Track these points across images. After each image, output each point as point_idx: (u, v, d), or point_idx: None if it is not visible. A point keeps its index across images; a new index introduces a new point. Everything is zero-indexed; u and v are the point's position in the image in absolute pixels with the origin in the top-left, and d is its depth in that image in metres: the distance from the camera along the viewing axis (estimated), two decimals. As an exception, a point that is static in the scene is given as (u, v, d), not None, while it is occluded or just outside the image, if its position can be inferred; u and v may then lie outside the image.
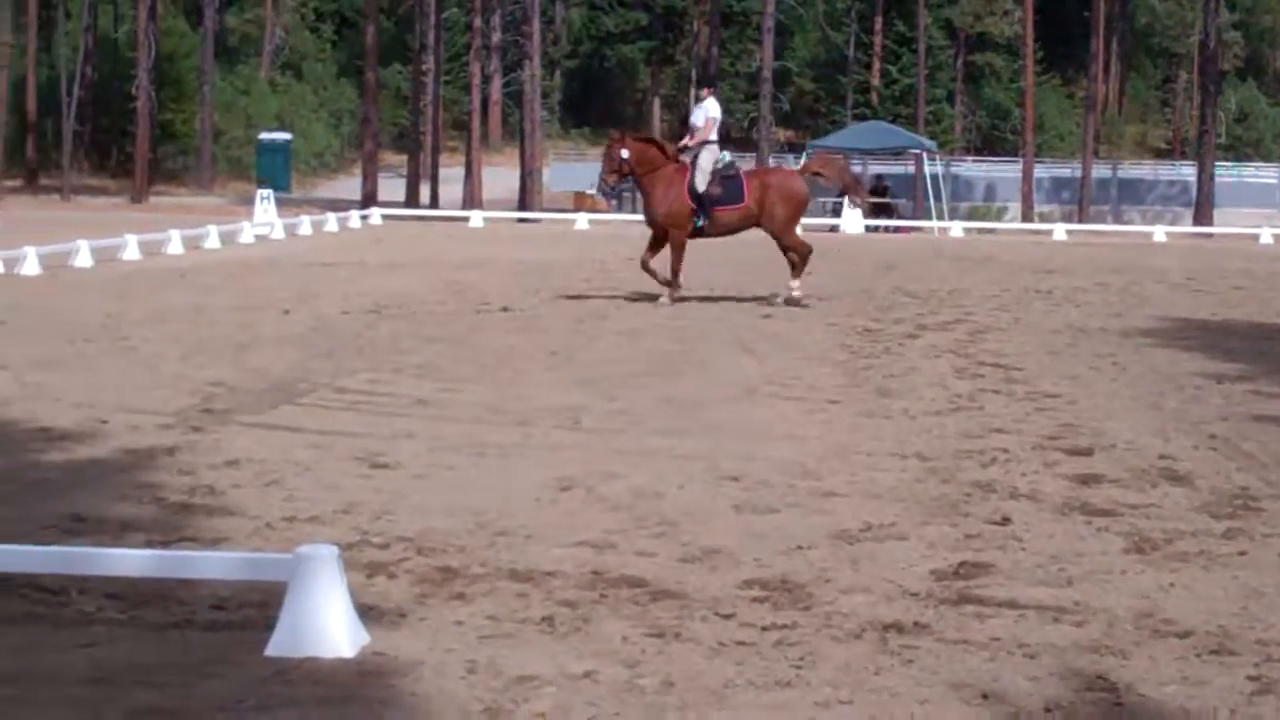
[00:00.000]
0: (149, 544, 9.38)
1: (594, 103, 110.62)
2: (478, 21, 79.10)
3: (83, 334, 20.29)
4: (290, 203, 62.83)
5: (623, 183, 26.77)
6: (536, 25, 76.06)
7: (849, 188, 30.36)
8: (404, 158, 77.18)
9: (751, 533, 10.01)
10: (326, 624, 7.49)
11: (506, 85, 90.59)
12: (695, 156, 25.87)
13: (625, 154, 25.33)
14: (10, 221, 38.91)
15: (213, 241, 39.86)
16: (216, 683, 7.13)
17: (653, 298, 25.46)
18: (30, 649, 7.60)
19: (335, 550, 7.64)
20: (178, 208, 65.53)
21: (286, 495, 10.93)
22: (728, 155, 26.95)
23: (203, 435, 13.24)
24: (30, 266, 30.10)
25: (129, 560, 8.33)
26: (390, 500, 10.82)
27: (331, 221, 50.20)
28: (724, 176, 25.92)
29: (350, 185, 78.01)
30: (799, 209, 26.60)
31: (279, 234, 45.33)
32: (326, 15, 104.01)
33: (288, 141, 76.62)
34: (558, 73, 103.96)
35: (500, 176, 76.67)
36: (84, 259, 32.45)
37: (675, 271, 25.69)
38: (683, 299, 25.52)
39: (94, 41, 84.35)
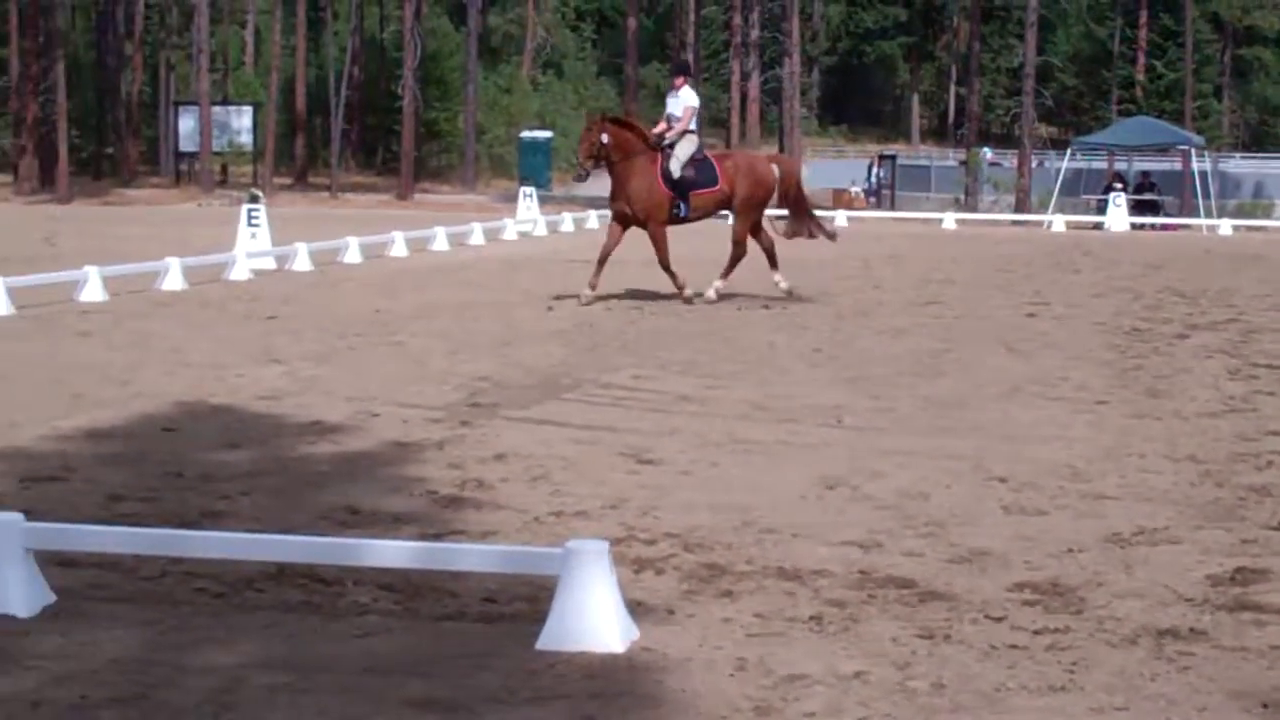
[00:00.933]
0: (421, 536, 9.52)
1: (852, 99, 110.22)
2: (737, 19, 79.28)
3: (353, 329, 20.64)
4: (552, 200, 63.35)
5: (597, 167, 25.10)
6: (795, 22, 75.95)
7: (791, 198, 26.84)
8: (664, 154, 77.64)
9: (1021, 535, 9.89)
10: (597, 619, 7.52)
11: (765, 82, 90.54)
12: (672, 145, 24.71)
13: (605, 138, 24.18)
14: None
15: (477, 238, 40.33)
16: (489, 675, 7.20)
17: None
18: (308, 637, 7.75)
19: (606, 545, 7.67)
20: (442, 205, 66.34)
21: (553, 490, 11.02)
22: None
23: (470, 429, 13.40)
24: (301, 262, 30.69)
25: (402, 552, 8.46)
26: (656, 496, 10.86)
27: (593, 218, 50.48)
28: (695, 160, 24.83)
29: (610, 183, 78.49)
30: (768, 194, 25.70)
31: (541, 231, 45.78)
32: (587, 14, 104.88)
33: (549, 139, 77.44)
34: (815, 69, 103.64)
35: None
36: (353, 255, 33.02)
37: (666, 264, 24.94)
38: (690, 298, 24.92)
39: (361, 43, 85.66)
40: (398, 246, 35.41)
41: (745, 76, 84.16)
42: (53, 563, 8.43)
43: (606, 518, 10.16)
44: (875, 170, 75.95)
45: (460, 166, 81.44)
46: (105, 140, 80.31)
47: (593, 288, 24.36)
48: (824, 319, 22.76)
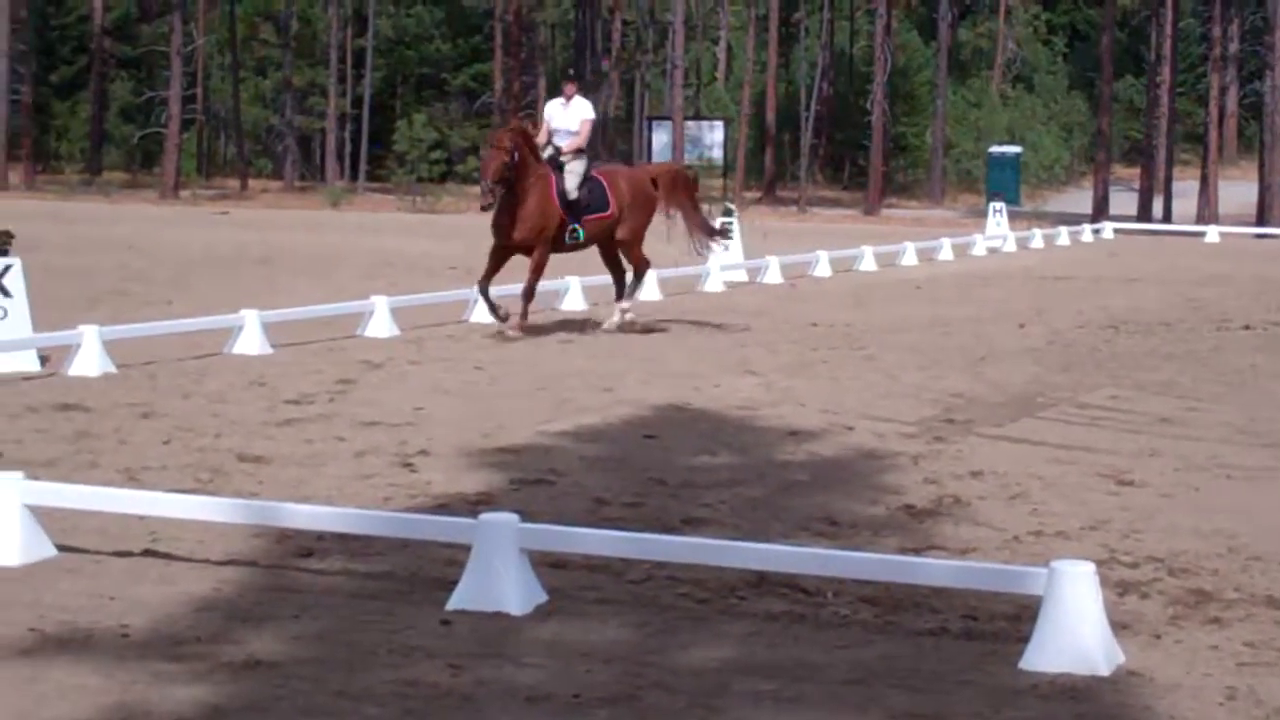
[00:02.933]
0: (900, 550, 9.54)
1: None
2: (1216, 31, 77.17)
3: (826, 342, 20.76)
4: (1020, 215, 62.69)
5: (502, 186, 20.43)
6: (1279, 34, 73.66)
7: (682, 204, 22.72)
8: (1135, 171, 76.14)
9: None
10: (1083, 640, 7.44)
11: (1243, 97, 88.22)
12: (563, 163, 21.10)
13: (516, 156, 20.36)
14: (764, 230, 40.01)
15: (945, 254, 40.14)
16: (971, 691, 7.19)
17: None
18: (790, 646, 7.83)
19: (1092, 566, 7.59)
20: (909, 220, 66.25)
21: (1032, 509, 10.93)
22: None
23: (945, 445, 13.37)
24: (772, 275, 30.99)
25: (884, 565, 8.48)
26: (1138, 518, 10.69)
27: (1063, 235, 49.88)
28: (587, 180, 21.30)
29: (1080, 198, 77.40)
30: (651, 215, 22.27)
31: (1010, 247, 45.33)
32: (1059, 28, 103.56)
33: (1017, 154, 76.69)
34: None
35: (1236, 191, 74.66)
36: (823, 269, 33.20)
37: (530, 293, 21.17)
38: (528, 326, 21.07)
39: (831, 58, 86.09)
40: (866, 261, 35.46)
41: (1223, 90, 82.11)
42: (544, 563, 8.68)
43: (1087, 539, 10.05)
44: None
45: (927, 181, 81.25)
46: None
47: (514, 319, 20.69)
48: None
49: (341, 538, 9.35)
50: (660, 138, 74.99)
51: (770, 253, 32.48)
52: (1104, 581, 7.99)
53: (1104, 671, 7.38)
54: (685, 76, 77.43)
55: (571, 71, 25.68)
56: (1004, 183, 70.84)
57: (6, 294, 17.02)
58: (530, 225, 20.53)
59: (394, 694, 7.01)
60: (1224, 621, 8.30)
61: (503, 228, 20.70)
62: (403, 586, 8.72)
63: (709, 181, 75.78)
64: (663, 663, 7.52)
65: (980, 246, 43.49)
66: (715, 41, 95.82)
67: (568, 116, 21.44)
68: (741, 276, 31.08)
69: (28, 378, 16.26)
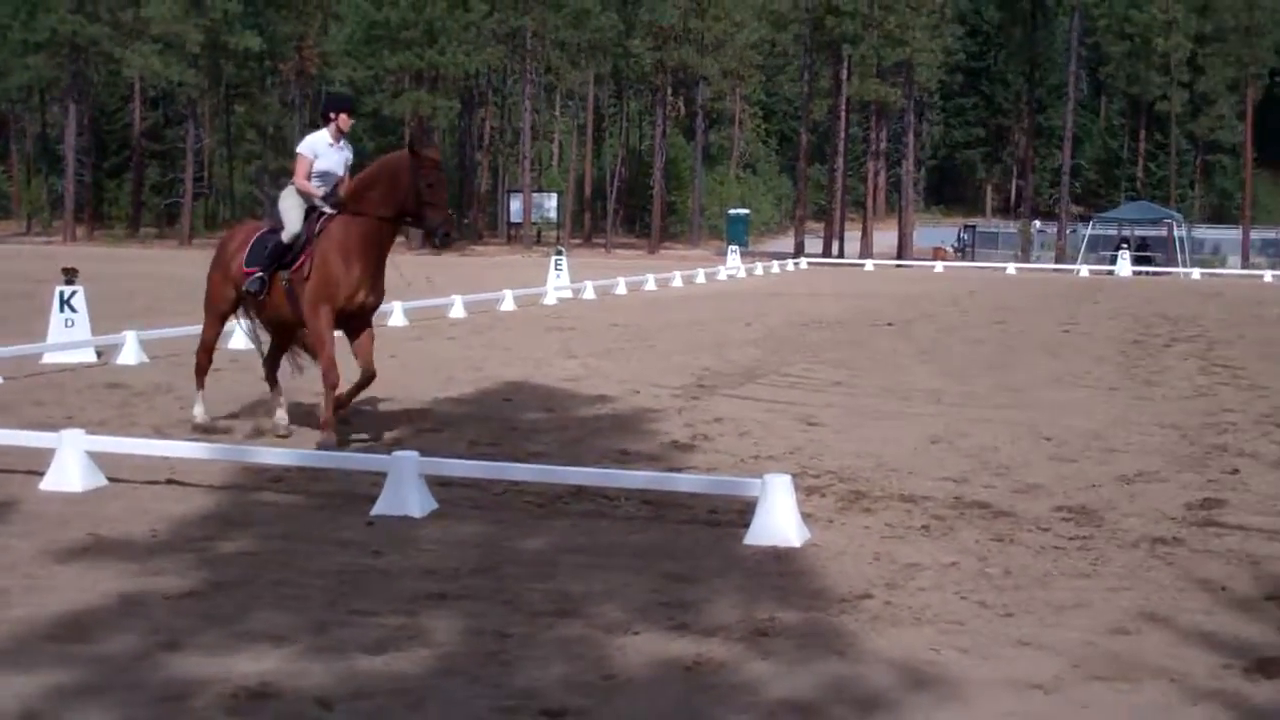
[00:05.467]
0: (668, 469, 9.57)
1: (946, 188, 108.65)
2: (872, 135, 78.46)
3: (623, 336, 20.78)
4: (749, 254, 63.09)
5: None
6: (911, 137, 75.04)
7: None
8: (822, 224, 76.87)
9: (1060, 475, 9.74)
10: (783, 525, 7.55)
11: (889, 176, 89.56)
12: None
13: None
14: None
15: (700, 279, 40.33)
16: (713, 558, 7.26)
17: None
18: (598, 534, 7.85)
19: (789, 478, 7.70)
20: (678, 257, 66.42)
21: (753, 442, 11.02)
22: None
23: (698, 401, 13.43)
24: (589, 294, 30.93)
25: (655, 479, 8.55)
26: (820, 447, 10.83)
27: (775, 266, 50.30)
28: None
29: (786, 242, 78.02)
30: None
31: (741, 274, 45.63)
32: (773, 133, 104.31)
33: (747, 214, 77.21)
34: (923, 168, 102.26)
35: (884, 237, 75.79)
36: (621, 289, 33.20)
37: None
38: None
39: (627, 152, 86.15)
40: (649, 284, 35.52)
41: (876, 173, 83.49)
42: (436, 483, 8.64)
43: (787, 460, 10.15)
44: (962, 234, 74.80)
45: (690, 232, 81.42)
46: (463, 214, 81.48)
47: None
48: (927, 333, 22.48)
49: (300, 470, 9.24)
50: (514, 203, 74.75)
51: (587, 279, 32.44)
52: (797, 487, 8.11)
53: (797, 544, 7.48)
54: (531, 163, 76.97)
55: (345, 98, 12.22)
56: (738, 233, 71.31)
57: (74, 310, 16.62)
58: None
59: (335, 570, 6.95)
60: (872, 510, 8.44)
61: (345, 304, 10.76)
62: (341, 502, 8.62)
63: (547, 233, 75.68)
64: (514, 546, 7.52)
65: (723, 274, 43.72)
66: (551, 140, 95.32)
67: (334, 157, 10.79)
68: (568, 294, 30.99)
69: (89, 366, 15.87)
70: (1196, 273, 52.67)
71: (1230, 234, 72.81)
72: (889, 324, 24.11)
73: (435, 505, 8.34)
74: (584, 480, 8.62)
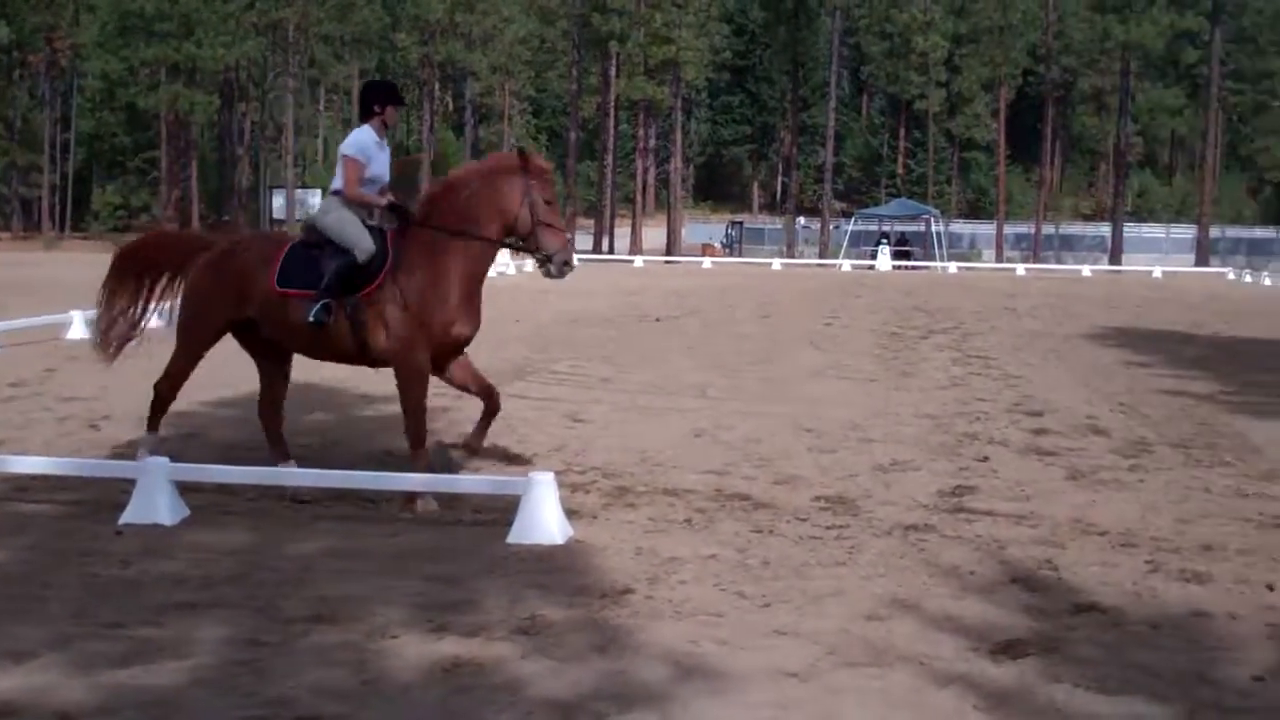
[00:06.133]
0: (432, 469, 9.47)
1: (714, 185, 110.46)
2: (640, 133, 79.27)
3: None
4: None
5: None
6: (679, 135, 76.09)
7: None
8: (592, 221, 77.29)
9: (820, 465, 10.01)
10: (545, 522, 7.58)
11: (658, 174, 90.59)
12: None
13: None
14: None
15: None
16: (476, 559, 7.24)
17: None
18: (359, 537, 7.76)
19: (552, 475, 7.73)
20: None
21: (519, 439, 11.02)
22: None
23: (465, 400, 13.10)
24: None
25: (420, 481, 8.40)
26: (585, 443, 10.90)
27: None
28: None
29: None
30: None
31: (511, 271, 45.51)
32: (542, 129, 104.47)
33: (517, 210, 76.98)
34: (691, 165, 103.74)
35: (654, 234, 76.64)
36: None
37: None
38: None
39: (394, 148, 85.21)
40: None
41: (646, 171, 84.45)
42: (189, 489, 8.41)
43: (554, 457, 10.19)
44: (729, 231, 76.22)
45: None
46: (224, 212, 79.40)
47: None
48: (695, 327, 22.82)
49: (46, 478, 8.89)
50: (278, 200, 73.08)
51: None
52: (562, 484, 8.14)
53: (560, 541, 7.52)
54: (295, 159, 75.44)
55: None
56: (508, 229, 71.09)
57: None
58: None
59: (82, 582, 6.71)
60: (636, 505, 8.53)
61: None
62: (89, 510, 8.33)
63: (313, 230, 74.08)
64: (268, 553, 7.37)
65: (491, 271, 43.39)
66: (316, 135, 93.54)
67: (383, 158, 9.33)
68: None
69: None
70: (953, 266, 54.76)
71: (985, 229, 75.96)
72: (656, 319, 24.36)
73: (188, 512, 8.12)
74: (346, 484, 8.49)
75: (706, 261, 57.55)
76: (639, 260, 58.54)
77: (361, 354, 8.87)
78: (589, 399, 13.58)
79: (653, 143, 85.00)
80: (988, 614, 6.35)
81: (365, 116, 9.09)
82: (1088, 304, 31.49)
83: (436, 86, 78.32)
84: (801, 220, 76.64)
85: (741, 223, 77.69)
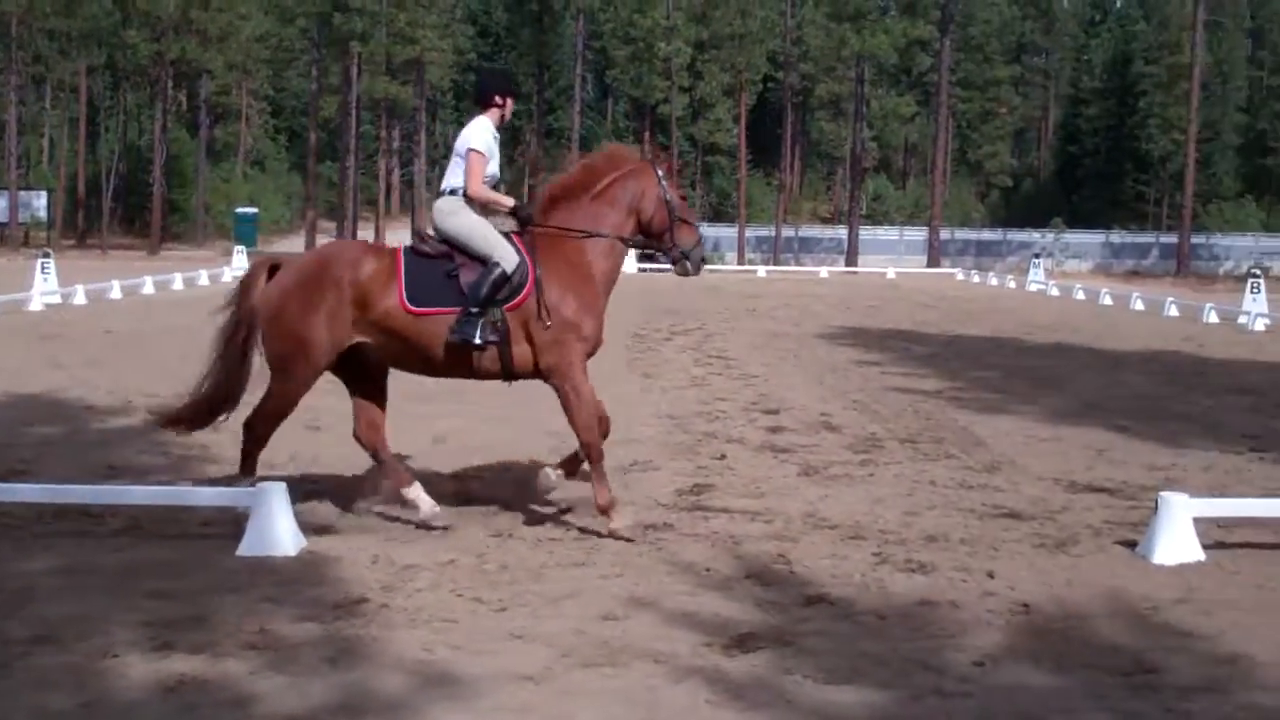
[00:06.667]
0: (160, 483, 9.21)
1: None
2: (383, 134, 78.47)
3: (116, 344, 19.79)
4: (257, 254, 61.55)
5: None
6: (423, 136, 75.58)
7: None
8: (334, 223, 76.04)
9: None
10: (277, 534, 7.45)
11: (402, 175, 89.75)
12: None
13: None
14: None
15: (203, 280, 39.05)
16: (204, 573, 7.07)
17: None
18: (82, 554, 7.49)
19: (284, 485, 7.60)
20: (181, 258, 63.89)
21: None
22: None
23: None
24: (79, 299, 29.24)
25: (146, 494, 8.24)
26: (320, 452, 10.73)
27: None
28: None
29: (297, 242, 76.62)
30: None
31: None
32: (281, 129, 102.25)
33: (255, 214, 75.33)
34: (435, 167, 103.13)
35: (398, 236, 75.93)
36: (115, 293, 31.62)
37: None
38: None
39: (124, 147, 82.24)
40: (147, 287, 33.97)
41: (389, 171, 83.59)
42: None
43: (286, 467, 9.98)
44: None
45: (195, 232, 78.60)
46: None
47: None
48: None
49: None
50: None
51: (78, 283, 30.59)
52: (302, 495, 8.01)
53: (292, 552, 7.41)
54: (18, 160, 72.10)
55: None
56: (246, 233, 69.46)
57: None
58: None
59: None
60: (372, 513, 8.44)
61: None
62: None
63: (36, 234, 71.17)
64: (-16, 573, 7.05)
65: (228, 275, 42.29)
66: (41, 135, 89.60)
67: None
68: (57, 300, 29.08)
69: None
70: (698, 269, 55.76)
71: (728, 232, 77.50)
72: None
73: (-107, 534, 7.70)
74: (68, 498, 8.18)
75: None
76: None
77: (508, 371, 8.35)
78: (327, 406, 13.27)
79: (396, 144, 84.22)
80: (723, 609, 6.50)
81: (484, 107, 8.36)
82: (825, 304, 32.47)
83: (170, 85, 75.86)
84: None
85: (488, 225, 77.60)
